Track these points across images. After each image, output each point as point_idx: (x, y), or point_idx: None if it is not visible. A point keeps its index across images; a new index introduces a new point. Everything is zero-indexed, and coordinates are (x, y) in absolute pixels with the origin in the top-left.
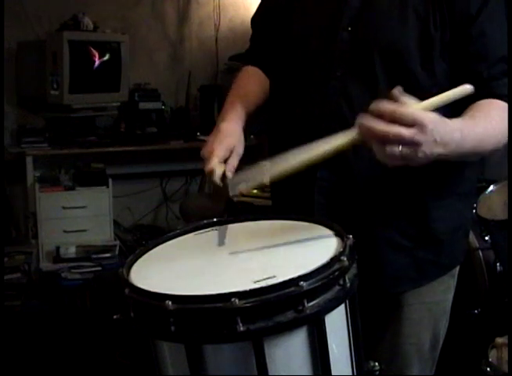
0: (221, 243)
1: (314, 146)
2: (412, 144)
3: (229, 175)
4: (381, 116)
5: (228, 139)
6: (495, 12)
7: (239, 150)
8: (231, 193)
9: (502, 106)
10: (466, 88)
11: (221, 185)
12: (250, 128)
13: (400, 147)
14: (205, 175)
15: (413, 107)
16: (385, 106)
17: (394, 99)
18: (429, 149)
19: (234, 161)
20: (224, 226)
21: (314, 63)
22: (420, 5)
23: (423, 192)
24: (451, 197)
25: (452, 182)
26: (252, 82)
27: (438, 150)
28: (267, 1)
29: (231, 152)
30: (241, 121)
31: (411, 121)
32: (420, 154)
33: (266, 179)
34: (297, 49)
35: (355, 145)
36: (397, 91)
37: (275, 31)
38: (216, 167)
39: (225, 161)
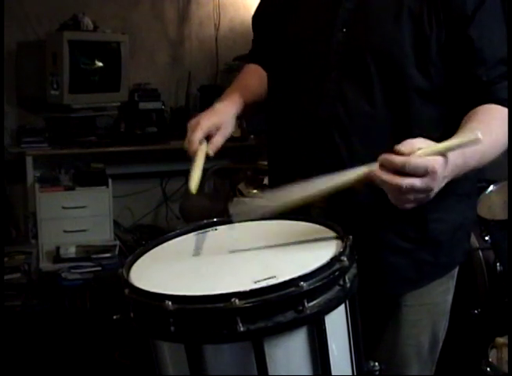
0: (196, 253)
1: (318, 183)
2: (426, 191)
3: (211, 153)
4: (392, 167)
5: (217, 116)
6: (492, 13)
7: (226, 130)
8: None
9: (502, 112)
10: (478, 136)
11: (192, 189)
12: (250, 126)
13: (413, 195)
14: (205, 175)
15: (421, 155)
16: (394, 158)
17: (399, 152)
18: (439, 187)
19: (218, 140)
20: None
21: (309, 65)
22: (414, 5)
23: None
24: (450, 197)
25: (451, 182)
26: (253, 76)
27: (446, 181)
28: (265, 1)
29: (217, 129)
30: (236, 106)
31: (423, 171)
32: (432, 195)
33: (263, 212)
34: (292, 50)
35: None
36: (399, 147)
37: (273, 30)
38: (198, 142)
39: (209, 139)
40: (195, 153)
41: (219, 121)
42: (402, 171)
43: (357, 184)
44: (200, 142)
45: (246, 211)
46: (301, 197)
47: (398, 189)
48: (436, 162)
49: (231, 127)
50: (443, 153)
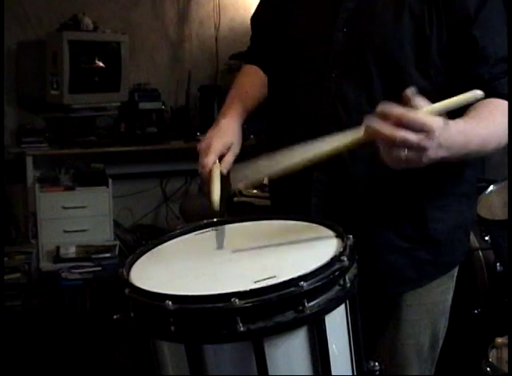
0: (220, 246)
1: (316, 145)
2: (418, 149)
3: (224, 172)
4: (389, 119)
5: (226, 136)
6: (494, 13)
7: (236, 148)
8: (232, 186)
9: (504, 104)
10: (477, 94)
11: (215, 207)
12: (250, 125)
13: (406, 151)
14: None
15: (421, 112)
16: (393, 109)
17: (405, 100)
18: (434, 153)
19: (230, 159)
20: (221, 228)
21: (309, 64)
22: (415, 5)
23: (421, 193)
24: (449, 197)
25: (451, 183)
26: (252, 80)
27: (442, 153)
28: (265, 1)
29: (228, 149)
30: (241, 119)
31: (419, 126)
32: (425, 158)
33: (265, 176)
34: (292, 50)
35: (356, 146)
36: (410, 92)
37: (272, 31)
38: (212, 165)
39: (221, 158)
40: (209, 175)
41: (229, 141)
42: (398, 123)
43: (356, 144)
44: (214, 166)
45: (247, 174)
46: (301, 159)
47: (391, 140)
48: (434, 121)
49: (239, 144)
50: (443, 118)
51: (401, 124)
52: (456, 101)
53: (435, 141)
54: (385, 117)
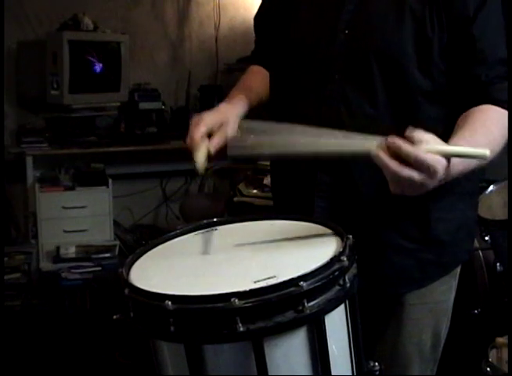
0: (206, 251)
1: (325, 142)
2: (421, 186)
3: (211, 151)
4: (397, 154)
5: (221, 115)
6: (493, 14)
7: (228, 129)
8: (228, 154)
9: (499, 113)
10: (486, 154)
11: (200, 169)
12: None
13: (408, 186)
14: (205, 175)
15: (427, 151)
16: (402, 145)
17: (409, 140)
18: (433, 186)
19: (220, 138)
20: (209, 233)
21: (312, 67)
22: (416, 6)
23: (425, 193)
24: (452, 197)
25: (453, 182)
26: (256, 78)
27: (441, 182)
28: (267, 2)
29: (219, 127)
30: (240, 107)
31: (425, 167)
32: (424, 191)
33: (262, 154)
34: (295, 52)
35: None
36: (411, 133)
37: (275, 33)
38: (199, 144)
39: (211, 137)
40: (196, 148)
41: (222, 119)
42: (405, 160)
43: (359, 155)
44: (202, 139)
45: (243, 148)
46: (301, 150)
47: (396, 176)
48: (440, 164)
49: (233, 127)
50: (447, 157)
51: (409, 161)
52: (464, 151)
53: (436, 180)
54: (394, 150)
